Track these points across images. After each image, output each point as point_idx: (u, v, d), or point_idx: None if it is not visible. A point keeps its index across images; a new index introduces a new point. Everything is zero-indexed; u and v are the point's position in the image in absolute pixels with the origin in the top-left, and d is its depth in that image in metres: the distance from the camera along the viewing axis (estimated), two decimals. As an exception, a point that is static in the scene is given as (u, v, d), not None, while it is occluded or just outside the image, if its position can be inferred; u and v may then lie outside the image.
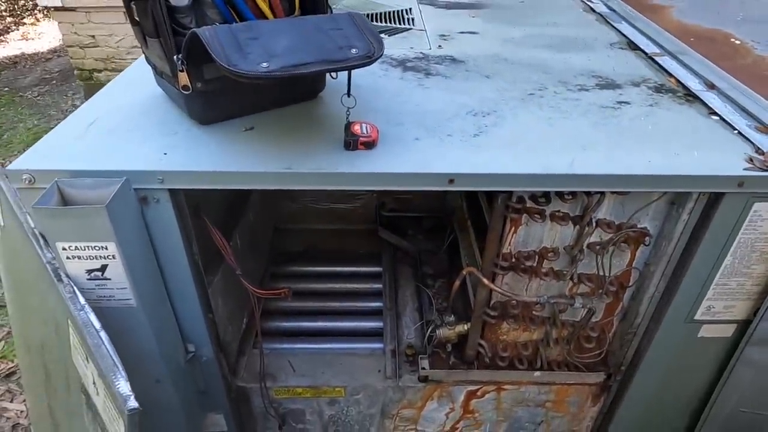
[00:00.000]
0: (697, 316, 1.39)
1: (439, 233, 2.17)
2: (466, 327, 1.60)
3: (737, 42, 1.80)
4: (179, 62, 1.11)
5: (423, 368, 1.63)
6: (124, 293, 1.13)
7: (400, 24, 2.07)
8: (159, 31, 1.12)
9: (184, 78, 1.14)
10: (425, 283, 2.02)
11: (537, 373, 1.61)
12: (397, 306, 1.95)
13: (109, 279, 1.10)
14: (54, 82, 6.23)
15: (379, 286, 2.06)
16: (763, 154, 1.18)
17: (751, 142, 1.23)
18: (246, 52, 1.01)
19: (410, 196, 2.31)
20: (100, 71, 5.42)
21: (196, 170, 1.12)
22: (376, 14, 2.15)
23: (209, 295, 1.41)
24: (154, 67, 1.31)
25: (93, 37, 5.22)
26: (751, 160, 1.16)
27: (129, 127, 1.26)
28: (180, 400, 1.39)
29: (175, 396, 1.36)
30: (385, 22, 2.09)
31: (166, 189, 1.13)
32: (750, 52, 1.73)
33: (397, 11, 2.20)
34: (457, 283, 1.49)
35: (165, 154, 1.16)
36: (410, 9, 2.23)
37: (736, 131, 1.28)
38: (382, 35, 1.92)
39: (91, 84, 5.40)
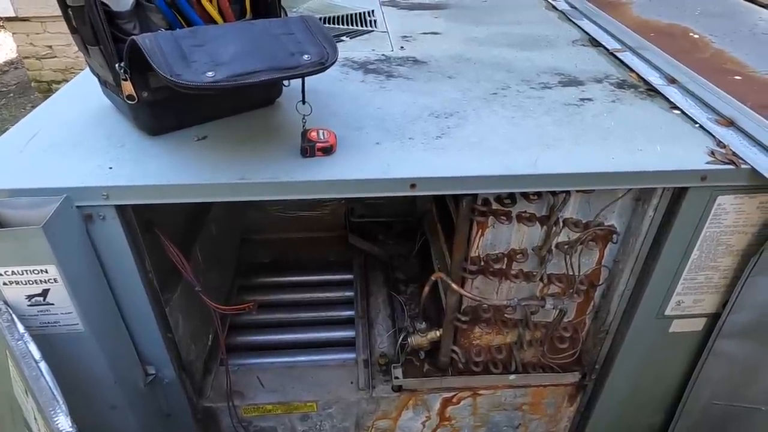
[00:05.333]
0: (668, 312, 1.38)
1: (410, 237, 2.13)
2: (438, 333, 1.56)
3: (696, 36, 1.82)
4: (121, 71, 1.05)
5: (396, 377, 1.59)
6: (70, 318, 1.06)
7: (362, 26, 2.03)
8: (98, 38, 1.06)
9: (128, 87, 1.08)
10: (397, 289, 1.99)
11: (512, 377, 1.59)
12: (369, 314, 1.91)
13: (53, 304, 1.03)
14: (11, 95, 6.00)
15: (351, 294, 2.01)
16: (724, 147, 1.18)
17: (713, 136, 1.23)
18: (190, 60, 0.95)
19: (380, 200, 2.27)
20: (59, 82, 5.25)
21: (143, 184, 1.05)
22: (338, 17, 2.11)
23: (167, 314, 1.34)
24: (98, 77, 1.24)
25: (50, 47, 5.05)
26: (712, 153, 1.16)
27: (73, 140, 1.19)
28: (140, 426, 1.32)
29: (134, 421, 1.29)
30: (347, 24, 2.05)
31: (112, 205, 1.07)
32: (708, 45, 1.74)
33: (359, 13, 2.16)
34: (426, 288, 1.46)
35: (110, 168, 1.09)
36: (372, 11, 2.20)
37: (697, 125, 1.28)
38: (344, 38, 1.89)
39: (50, 96, 5.22)
